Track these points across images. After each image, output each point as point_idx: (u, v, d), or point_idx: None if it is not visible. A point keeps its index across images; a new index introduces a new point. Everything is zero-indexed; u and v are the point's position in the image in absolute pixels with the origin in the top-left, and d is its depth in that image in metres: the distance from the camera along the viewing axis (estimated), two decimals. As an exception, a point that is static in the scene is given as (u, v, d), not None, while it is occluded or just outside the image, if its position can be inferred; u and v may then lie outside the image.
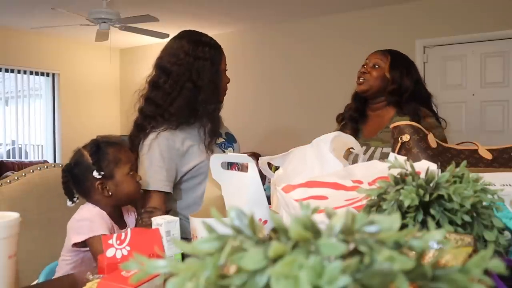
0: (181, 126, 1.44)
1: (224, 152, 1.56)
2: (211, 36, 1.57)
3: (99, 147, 1.22)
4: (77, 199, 1.24)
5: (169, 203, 1.50)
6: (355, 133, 1.85)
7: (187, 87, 1.43)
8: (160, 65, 1.49)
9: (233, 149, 1.59)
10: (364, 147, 1.77)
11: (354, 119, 1.88)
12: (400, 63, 1.82)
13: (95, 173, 1.18)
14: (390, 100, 1.81)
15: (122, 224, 1.26)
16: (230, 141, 1.62)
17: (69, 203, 1.22)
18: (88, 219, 1.17)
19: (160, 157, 1.40)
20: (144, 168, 1.40)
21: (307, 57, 5.44)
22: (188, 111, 1.43)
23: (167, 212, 1.52)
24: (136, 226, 1.30)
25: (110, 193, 1.21)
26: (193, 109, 1.44)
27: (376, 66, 1.81)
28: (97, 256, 1.12)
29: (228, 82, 1.55)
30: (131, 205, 1.34)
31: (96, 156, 1.20)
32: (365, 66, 1.84)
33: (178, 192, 1.49)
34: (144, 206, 1.38)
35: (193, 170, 1.45)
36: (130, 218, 1.31)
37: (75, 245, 1.16)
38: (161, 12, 4.83)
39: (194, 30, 1.57)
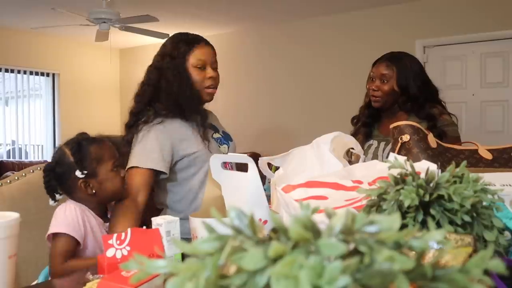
0: (171, 116, 1.49)
1: (219, 147, 1.58)
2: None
3: (81, 145, 1.20)
4: (60, 195, 1.22)
5: (161, 196, 1.53)
6: (369, 136, 1.93)
7: (161, 83, 1.50)
8: (149, 68, 1.58)
9: (228, 147, 1.61)
10: (384, 143, 1.86)
11: (367, 124, 1.95)
12: (405, 72, 1.86)
13: (78, 173, 1.16)
14: (403, 108, 1.87)
15: (107, 219, 1.25)
16: (226, 138, 1.64)
17: (51, 202, 1.20)
18: (61, 215, 1.15)
19: (156, 140, 1.44)
20: (138, 150, 1.44)
21: (307, 57, 5.44)
22: (173, 106, 1.49)
23: (158, 210, 1.53)
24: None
25: (94, 191, 1.19)
26: (177, 104, 1.49)
27: (385, 81, 1.86)
28: (52, 256, 1.12)
29: (207, 77, 1.51)
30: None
31: (78, 155, 1.17)
32: (374, 80, 1.88)
33: (172, 182, 1.52)
34: (135, 183, 1.39)
35: (190, 157, 1.48)
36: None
37: (48, 239, 1.16)
38: (161, 12, 4.83)
39: (180, 32, 1.61)
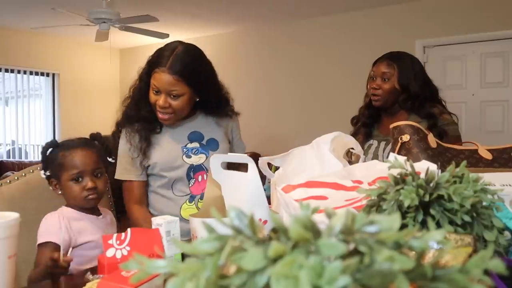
0: (131, 127, 1.58)
1: (188, 157, 1.55)
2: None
3: (52, 148, 1.27)
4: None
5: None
6: (369, 136, 1.93)
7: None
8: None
9: (206, 157, 1.55)
10: (384, 143, 1.85)
11: (367, 124, 1.95)
12: (406, 70, 1.86)
13: (41, 172, 1.25)
14: (404, 107, 1.87)
15: (95, 213, 1.29)
16: (207, 147, 1.58)
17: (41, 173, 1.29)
18: (43, 225, 1.20)
19: (126, 148, 1.55)
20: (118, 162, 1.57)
21: (307, 57, 5.44)
22: (130, 116, 1.58)
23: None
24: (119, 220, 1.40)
25: (60, 192, 1.26)
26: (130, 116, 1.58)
27: (386, 79, 1.86)
28: (36, 264, 1.15)
29: (154, 101, 1.47)
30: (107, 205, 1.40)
31: (43, 156, 1.26)
32: (374, 79, 1.88)
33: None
34: (133, 195, 1.54)
35: (148, 169, 1.56)
36: (107, 215, 1.34)
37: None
38: (161, 12, 4.83)
39: (160, 48, 1.57)
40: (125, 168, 1.53)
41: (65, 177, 1.23)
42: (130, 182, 1.54)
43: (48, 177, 1.25)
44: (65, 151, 1.25)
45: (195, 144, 1.57)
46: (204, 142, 1.58)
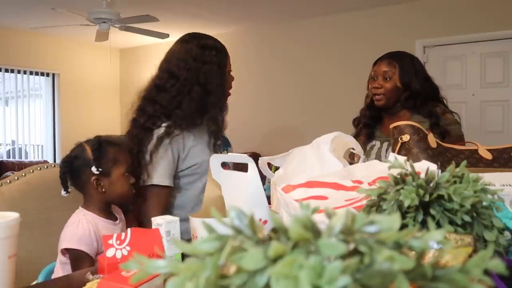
0: (188, 127, 1.49)
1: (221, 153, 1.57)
2: (213, 36, 1.61)
3: (101, 144, 1.25)
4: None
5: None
6: (371, 137, 1.93)
7: (196, 91, 1.48)
8: (168, 69, 1.52)
9: (226, 153, 1.59)
10: (386, 143, 1.85)
11: (369, 125, 1.95)
12: (407, 68, 1.86)
13: (94, 169, 1.21)
14: (405, 106, 1.86)
15: (112, 217, 1.28)
16: (226, 145, 1.62)
17: (63, 192, 1.24)
18: (73, 231, 1.19)
19: (171, 155, 1.46)
20: (149, 164, 1.45)
21: (307, 57, 5.44)
22: (196, 114, 1.49)
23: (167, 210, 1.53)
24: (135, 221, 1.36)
25: (104, 190, 1.23)
26: (200, 112, 1.49)
27: (388, 78, 1.85)
28: (73, 270, 1.14)
29: (232, 80, 1.60)
30: (120, 205, 1.36)
31: (97, 152, 1.23)
32: (376, 79, 1.88)
33: (173, 190, 1.51)
34: (146, 199, 1.44)
35: (190, 169, 1.50)
36: (118, 214, 1.33)
37: (64, 252, 1.18)
38: (161, 12, 4.83)
39: (199, 34, 1.61)
40: (169, 174, 1.46)
41: (118, 172, 1.24)
42: (165, 189, 1.46)
43: (98, 174, 1.22)
44: (114, 147, 1.27)
45: (219, 141, 1.60)
46: (221, 140, 1.61)
